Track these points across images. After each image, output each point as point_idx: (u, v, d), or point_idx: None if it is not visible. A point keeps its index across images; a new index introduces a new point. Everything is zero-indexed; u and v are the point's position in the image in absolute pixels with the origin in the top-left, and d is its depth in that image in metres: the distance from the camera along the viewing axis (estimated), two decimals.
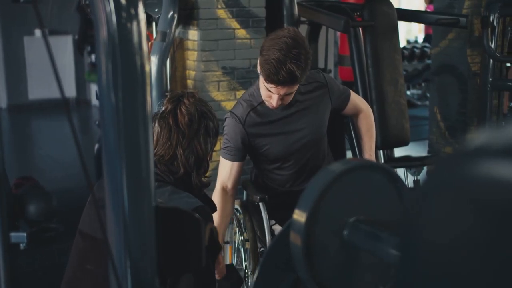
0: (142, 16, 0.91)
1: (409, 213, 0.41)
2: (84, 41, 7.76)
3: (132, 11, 0.90)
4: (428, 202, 0.37)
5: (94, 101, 8.55)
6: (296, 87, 2.13)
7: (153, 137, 1.69)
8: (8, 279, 0.86)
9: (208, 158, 1.73)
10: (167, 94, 3.46)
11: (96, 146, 4.73)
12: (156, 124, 1.70)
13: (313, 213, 0.97)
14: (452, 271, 0.34)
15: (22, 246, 2.70)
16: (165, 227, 0.97)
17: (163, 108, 1.74)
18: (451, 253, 0.34)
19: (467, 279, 0.34)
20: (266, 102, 2.18)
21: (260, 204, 2.28)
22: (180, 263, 1.02)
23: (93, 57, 8.39)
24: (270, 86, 2.08)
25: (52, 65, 0.78)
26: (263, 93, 2.16)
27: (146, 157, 0.92)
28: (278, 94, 2.10)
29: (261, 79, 2.11)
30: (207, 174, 1.79)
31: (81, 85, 8.76)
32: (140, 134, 0.92)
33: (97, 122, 5.04)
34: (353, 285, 1.06)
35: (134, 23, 0.90)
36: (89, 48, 8.10)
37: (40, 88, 8.22)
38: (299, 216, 0.99)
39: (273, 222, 2.36)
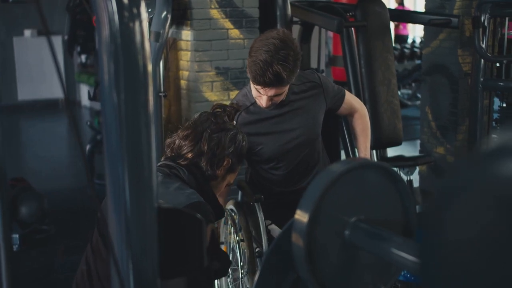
0: (144, 15, 0.91)
1: (433, 212, 0.41)
2: (74, 42, 7.71)
3: (135, 11, 0.89)
4: (454, 200, 0.36)
5: (84, 102, 8.49)
6: (285, 88, 2.13)
7: (184, 126, 1.83)
8: (11, 279, 0.85)
9: (225, 164, 1.77)
10: (160, 94, 3.45)
11: (88, 147, 4.71)
12: (197, 115, 1.86)
13: (315, 213, 0.97)
14: (479, 268, 0.34)
15: (15, 248, 2.67)
16: (166, 227, 0.96)
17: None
18: (477, 250, 0.34)
19: (494, 276, 0.34)
20: (257, 101, 2.20)
21: (256, 204, 2.27)
22: (182, 264, 1.02)
23: (83, 57, 8.34)
24: (257, 87, 2.09)
25: (55, 66, 0.77)
26: (254, 93, 2.17)
27: (148, 157, 0.92)
28: (266, 95, 2.11)
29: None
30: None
31: (70, 86, 8.70)
32: (142, 134, 0.92)
33: (88, 123, 5.01)
34: (354, 284, 1.06)
35: (137, 23, 0.89)
36: (78, 49, 8.05)
37: (29, 89, 8.17)
38: (301, 216, 0.99)
39: (268, 222, 2.36)
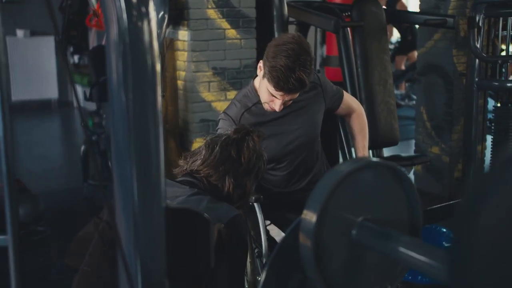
0: (153, 14, 0.90)
1: (464, 217, 0.41)
2: (67, 42, 7.68)
3: (143, 10, 0.89)
4: (484, 205, 0.36)
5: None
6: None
7: (202, 155, 1.72)
8: (19, 279, 0.84)
9: (249, 197, 1.78)
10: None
11: (82, 147, 4.67)
12: (217, 147, 1.72)
13: (323, 214, 0.97)
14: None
15: None
16: (174, 227, 0.96)
17: (227, 134, 1.78)
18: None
19: None
20: (265, 106, 2.17)
21: (255, 204, 2.27)
22: (189, 264, 1.02)
23: (76, 58, 8.30)
24: (279, 93, 2.06)
25: (66, 68, 0.77)
26: (265, 97, 2.13)
27: (157, 157, 0.91)
28: (282, 99, 2.09)
29: (266, 85, 2.08)
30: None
31: (64, 86, 8.64)
32: (151, 134, 0.91)
33: (82, 123, 4.98)
34: (361, 284, 1.06)
35: (145, 22, 0.89)
36: (71, 49, 8.01)
37: (23, 89, 8.11)
38: (308, 217, 0.98)
39: (268, 222, 2.35)
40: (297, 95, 2.13)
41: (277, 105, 2.11)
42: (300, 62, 2.00)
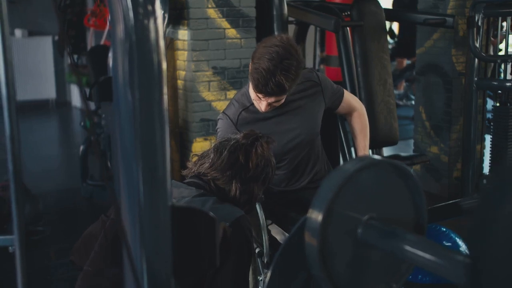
0: (159, 12, 0.90)
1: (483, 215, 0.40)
2: (65, 42, 7.67)
3: (149, 8, 0.89)
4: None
5: (75, 102, 8.44)
6: (285, 95, 2.12)
7: (210, 159, 1.73)
8: (25, 278, 0.84)
9: (256, 202, 1.79)
10: None
11: (81, 147, 4.67)
12: (225, 151, 1.72)
13: (328, 212, 0.97)
14: None
15: (11, 249, 2.64)
16: (180, 226, 0.96)
17: (236, 139, 1.77)
18: None
19: None
20: (255, 104, 2.18)
21: (256, 204, 2.27)
22: (195, 263, 1.01)
23: (74, 57, 8.29)
24: (258, 95, 2.08)
25: (73, 69, 0.76)
26: (253, 96, 2.15)
27: (163, 156, 0.91)
28: (266, 101, 2.10)
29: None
30: None
31: (61, 86, 8.63)
32: (157, 133, 0.91)
33: (82, 123, 4.97)
34: (366, 283, 1.06)
35: (151, 20, 0.89)
36: (69, 49, 8.00)
37: (20, 89, 8.10)
38: (314, 215, 0.98)
39: (269, 221, 2.35)
40: (283, 98, 2.12)
41: (262, 105, 2.12)
42: (282, 66, 1.99)
